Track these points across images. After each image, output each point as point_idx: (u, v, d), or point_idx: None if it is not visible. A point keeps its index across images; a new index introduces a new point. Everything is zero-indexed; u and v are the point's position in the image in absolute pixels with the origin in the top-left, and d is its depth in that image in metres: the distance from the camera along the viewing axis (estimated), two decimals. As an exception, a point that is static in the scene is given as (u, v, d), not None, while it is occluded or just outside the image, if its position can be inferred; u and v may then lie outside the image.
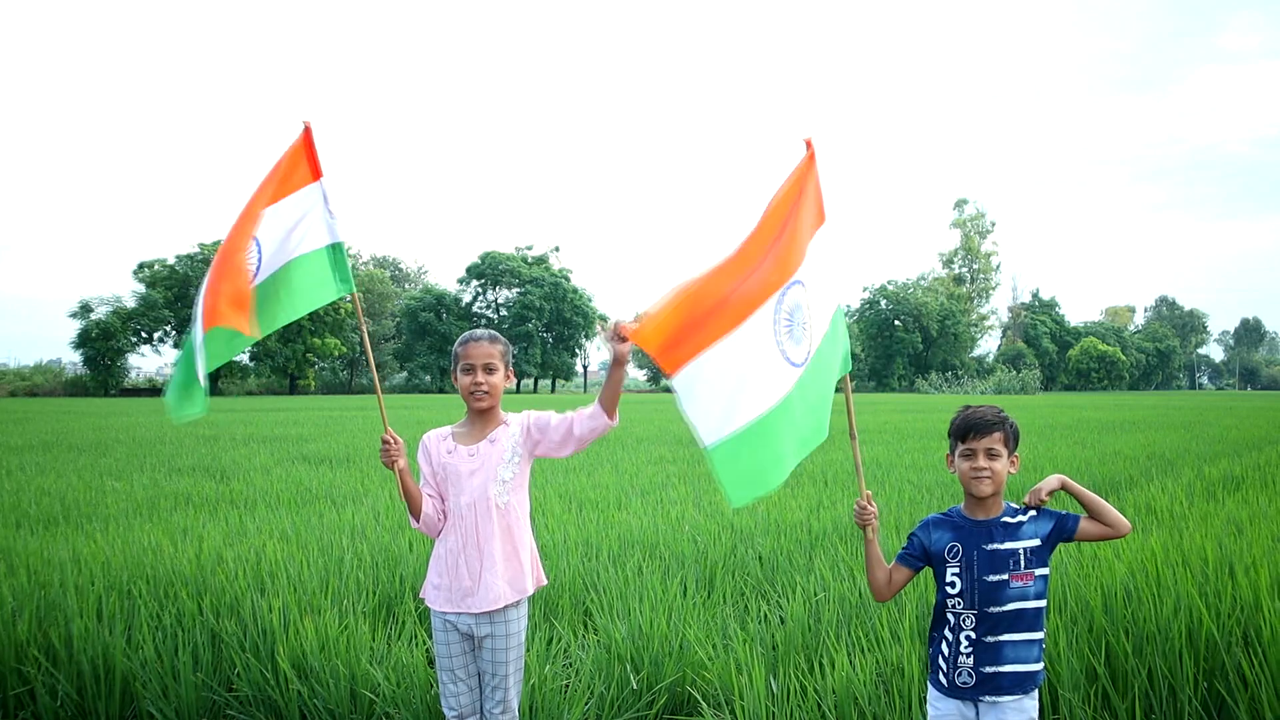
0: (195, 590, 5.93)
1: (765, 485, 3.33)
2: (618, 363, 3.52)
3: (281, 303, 4.16)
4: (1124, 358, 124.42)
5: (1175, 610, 4.74)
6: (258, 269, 4.13)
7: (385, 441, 3.83)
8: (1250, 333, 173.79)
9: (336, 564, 6.63)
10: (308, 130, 4.19)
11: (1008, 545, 3.31)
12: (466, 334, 3.89)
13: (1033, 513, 3.36)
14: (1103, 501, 3.35)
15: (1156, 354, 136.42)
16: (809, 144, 3.62)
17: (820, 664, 4.88)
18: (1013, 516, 3.35)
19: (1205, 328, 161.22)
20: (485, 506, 3.78)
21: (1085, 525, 3.35)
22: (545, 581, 4.00)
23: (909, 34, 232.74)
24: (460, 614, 3.80)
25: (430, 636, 4.77)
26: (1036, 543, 3.31)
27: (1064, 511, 3.38)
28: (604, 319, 3.54)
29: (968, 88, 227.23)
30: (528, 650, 4.83)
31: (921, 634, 4.86)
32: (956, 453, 3.41)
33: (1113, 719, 4.45)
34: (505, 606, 3.79)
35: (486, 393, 3.81)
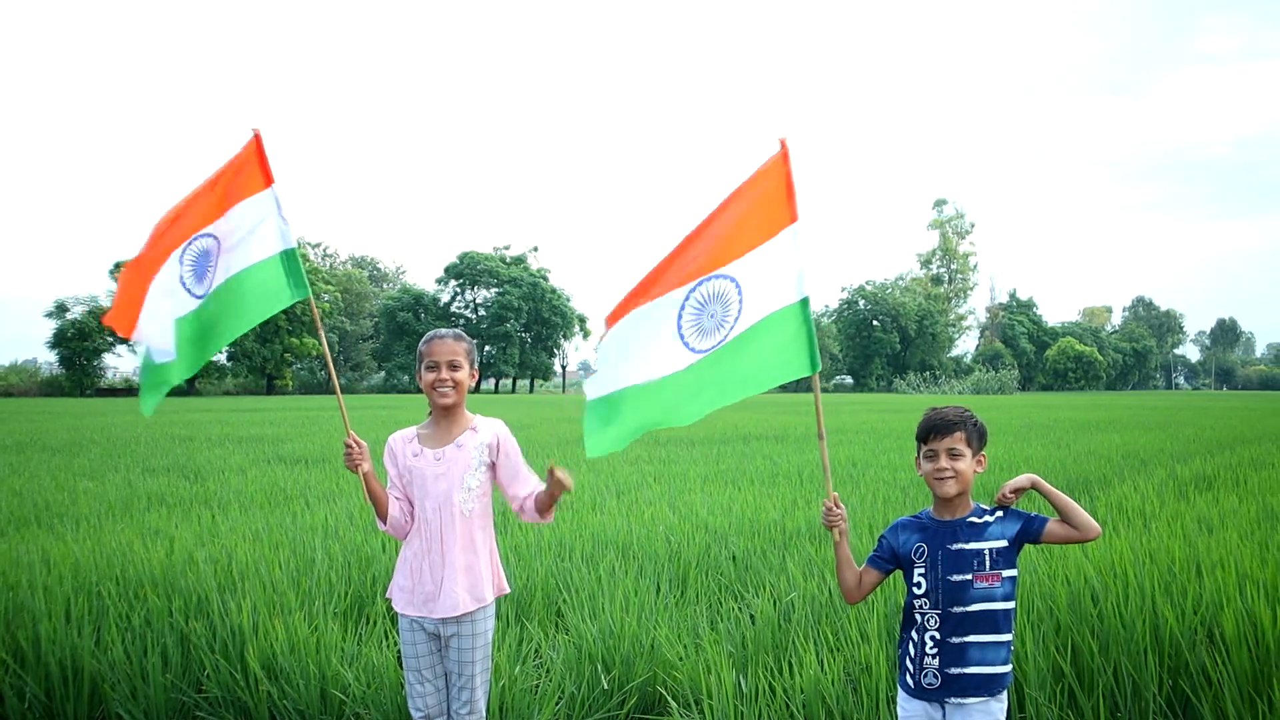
0: (165, 591, 5.89)
1: (615, 445, 3.74)
2: (563, 487, 3.73)
3: (234, 313, 4.14)
4: (1101, 358, 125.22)
5: (1140, 609, 4.77)
6: (212, 275, 4.12)
7: (348, 445, 3.80)
8: (1226, 333, 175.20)
9: (308, 564, 6.59)
10: (257, 137, 4.17)
11: (972, 545, 3.29)
12: (431, 332, 3.89)
13: (1000, 513, 3.35)
14: (1074, 504, 3.30)
15: (1133, 354, 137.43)
16: (783, 143, 3.65)
17: (789, 663, 4.90)
18: (979, 517, 3.34)
19: (1182, 328, 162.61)
20: (450, 513, 3.77)
21: (1053, 527, 3.30)
22: (507, 589, 3.98)
23: (891, 34, 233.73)
24: (425, 616, 3.80)
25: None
26: (1003, 544, 3.29)
27: (1032, 513, 3.36)
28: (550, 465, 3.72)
29: (948, 88, 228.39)
30: (498, 650, 4.82)
31: (890, 633, 4.88)
32: (921, 454, 3.41)
33: (1079, 718, 4.48)
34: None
35: (451, 389, 3.79)
